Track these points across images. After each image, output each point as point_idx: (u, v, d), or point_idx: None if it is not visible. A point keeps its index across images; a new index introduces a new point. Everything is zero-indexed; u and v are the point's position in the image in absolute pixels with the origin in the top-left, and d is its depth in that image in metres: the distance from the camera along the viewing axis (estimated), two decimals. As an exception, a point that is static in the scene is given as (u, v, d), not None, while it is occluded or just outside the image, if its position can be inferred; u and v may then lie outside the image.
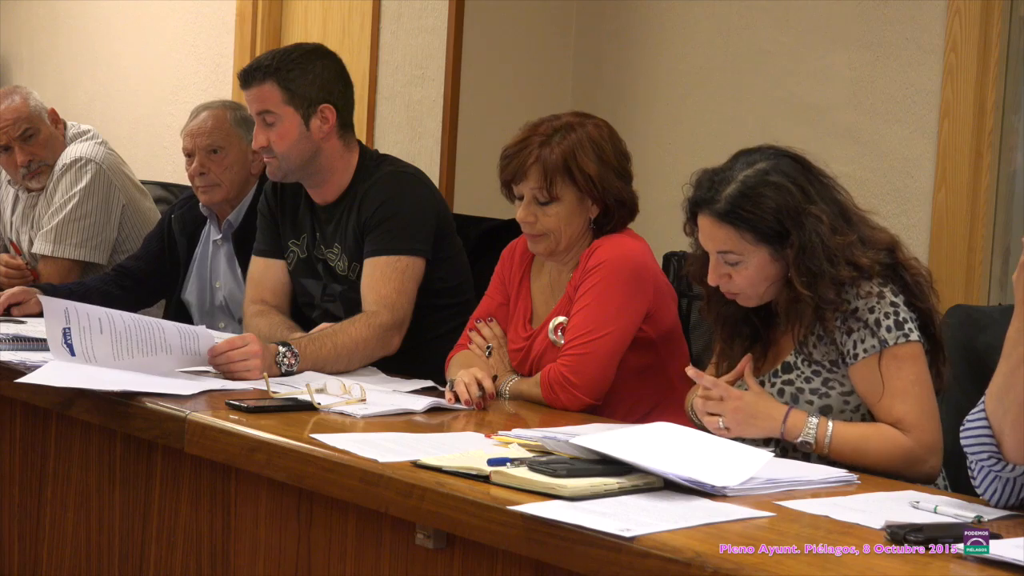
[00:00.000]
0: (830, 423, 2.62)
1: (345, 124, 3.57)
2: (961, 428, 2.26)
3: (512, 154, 3.11)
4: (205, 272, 4.13)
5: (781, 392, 2.71)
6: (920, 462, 2.60)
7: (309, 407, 2.80)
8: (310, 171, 3.54)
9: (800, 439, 2.62)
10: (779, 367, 2.74)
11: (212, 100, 4.21)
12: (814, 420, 2.62)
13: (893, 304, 2.64)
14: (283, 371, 3.14)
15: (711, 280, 2.74)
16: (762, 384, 2.74)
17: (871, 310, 2.64)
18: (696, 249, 2.81)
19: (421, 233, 3.47)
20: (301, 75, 3.49)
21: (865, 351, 2.64)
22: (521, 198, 3.12)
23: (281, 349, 3.16)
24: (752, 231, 2.66)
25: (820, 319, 2.66)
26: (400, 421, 2.77)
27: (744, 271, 2.69)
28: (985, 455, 2.22)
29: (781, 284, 2.70)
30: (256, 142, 3.54)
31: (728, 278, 2.71)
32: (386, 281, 3.40)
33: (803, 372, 2.71)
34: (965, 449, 2.25)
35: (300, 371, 3.17)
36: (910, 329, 2.64)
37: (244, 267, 3.86)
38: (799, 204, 2.65)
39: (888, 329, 2.63)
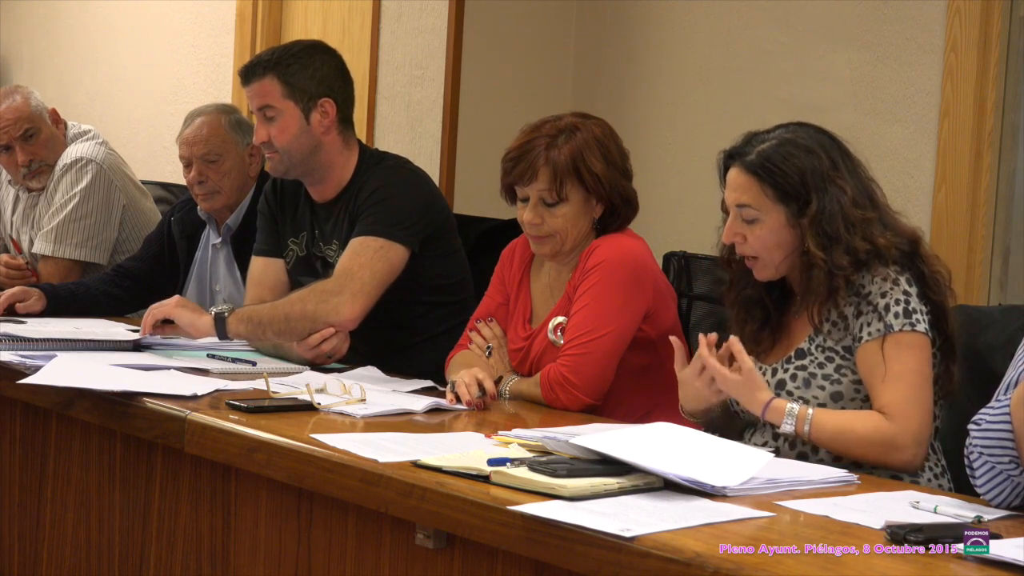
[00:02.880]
0: (810, 410, 2.62)
1: (345, 119, 3.58)
2: (974, 427, 2.23)
3: (517, 156, 3.10)
4: (205, 275, 4.13)
5: (794, 377, 2.72)
6: (900, 449, 2.58)
7: (309, 407, 2.79)
8: (311, 166, 3.55)
9: (782, 426, 2.63)
10: (792, 353, 2.75)
11: (205, 104, 4.21)
12: (795, 407, 2.63)
13: (906, 293, 2.65)
14: (214, 315, 3.34)
15: (726, 237, 2.77)
16: (775, 371, 2.75)
17: (883, 295, 2.65)
18: (724, 225, 2.82)
19: (406, 223, 3.45)
20: (301, 69, 3.51)
21: (870, 334, 2.64)
22: (525, 200, 3.12)
23: (221, 304, 3.39)
24: (774, 187, 2.70)
25: (831, 289, 2.67)
26: (400, 421, 2.77)
27: (758, 231, 2.72)
28: (1006, 459, 2.20)
29: (796, 256, 2.72)
30: (257, 137, 3.55)
31: (743, 239, 2.74)
32: (353, 255, 3.39)
33: (816, 358, 2.72)
34: (979, 449, 2.22)
35: (234, 322, 3.34)
36: (918, 320, 2.64)
37: (243, 270, 3.86)
38: (826, 171, 2.71)
39: (896, 315, 2.63)
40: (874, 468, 2.60)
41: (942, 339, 2.70)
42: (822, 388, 2.69)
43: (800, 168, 2.70)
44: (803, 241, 2.69)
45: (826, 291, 2.68)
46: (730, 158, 2.78)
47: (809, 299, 2.71)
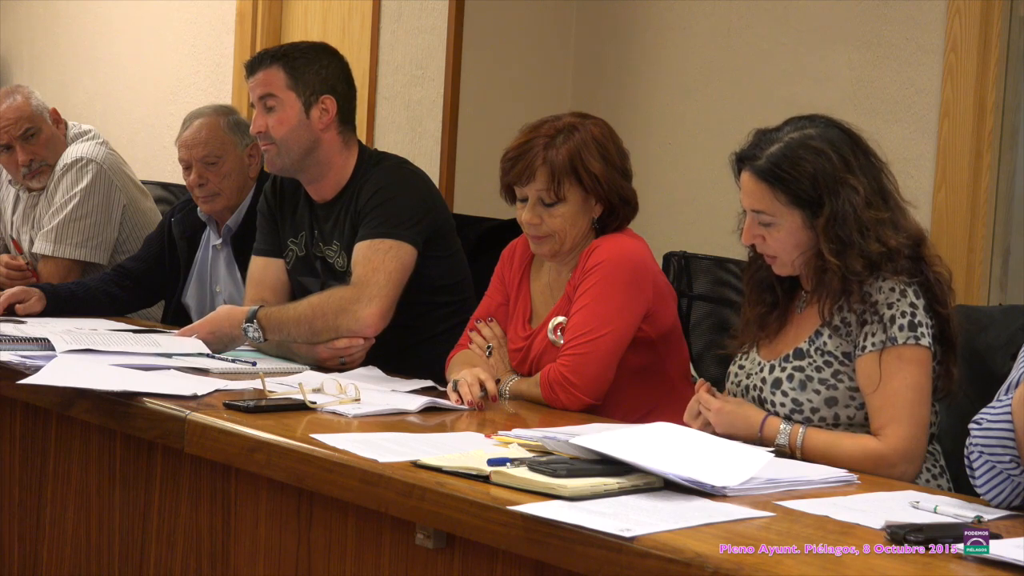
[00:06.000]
0: (801, 429, 2.63)
1: (345, 120, 3.58)
2: (975, 426, 2.23)
3: (516, 156, 3.11)
4: (205, 276, 4.13)
5: (791, 377, 2.72)
6: (889, 467, 2.58)
7: (302, 406, 2.79)
8: (308, 163, 3.54)
9: (776, 443, 2.64)
10: (791, 352, 2.75)
11: (204, 106, 4.21)
12: (787, 426, 2.64)
13: (912, 305, 2.64)
14: (250, 337, 3.40)
15: (745, 238, 2.77)
16: (772, 368, 2.75)
17: (889, 306, 2.64)
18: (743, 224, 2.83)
19: (411, 222, 3.46)
20: (306, 64, 3.53)
21: (872, 345, 2.64)
22: (524, 200, 3.12)
23: (248, 326, 3.39)
24: (786, 192, 2.69)
25: (846, 292, 2.66)
26: (400, 421, 2.77)
27: (776, 234, 2.71)
28: (1007, 458, 2.20)
29: (812, 254, 2.71)
30: (254, 126, 3.55)
31: (762, 240, 2.74)
32: (365, 262, 3.41)
33: (815, 360, 2.71)
34: (980, 448, 2.22)
35: (268, 339, 3.39)
36: (922, 334, 2.63)
37: (244, 271, 3.86)
38: (837, 172, 2.68)
39: (900, 328, 2.62)
40: None
41: (944, 344, 2.70)
42: (817, 392, 2.69)
43: (811, 172, 2.67)
44: (818, 244, 2.68)
45: (839, 292, 2.68)
46: (741, 161, 2.76)
47: (821, 294, 2.71)
